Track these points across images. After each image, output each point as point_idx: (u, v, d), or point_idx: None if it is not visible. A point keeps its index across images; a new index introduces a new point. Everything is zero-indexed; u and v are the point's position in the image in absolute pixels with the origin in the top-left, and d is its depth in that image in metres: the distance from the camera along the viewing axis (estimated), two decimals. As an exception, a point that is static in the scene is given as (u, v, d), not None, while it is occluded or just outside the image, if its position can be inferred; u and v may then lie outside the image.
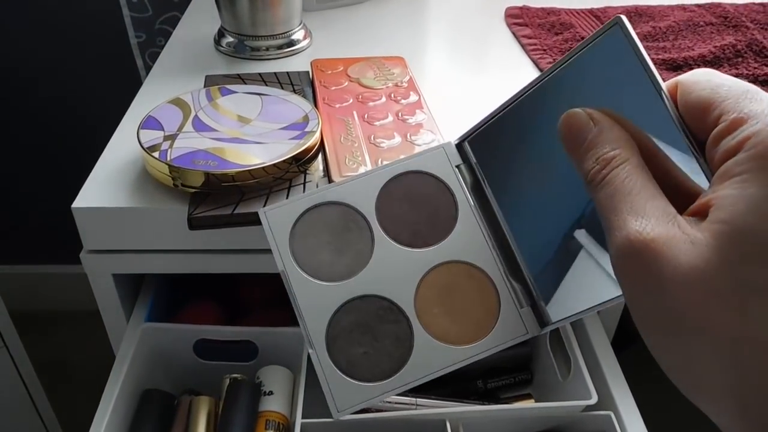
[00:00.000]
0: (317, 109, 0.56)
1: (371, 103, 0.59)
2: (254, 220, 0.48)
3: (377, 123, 0.56)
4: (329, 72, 0.64)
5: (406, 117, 0.57)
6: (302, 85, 0.63)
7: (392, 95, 0.60)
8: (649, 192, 0.25)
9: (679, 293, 0.22)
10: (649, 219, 0.23)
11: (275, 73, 0.65)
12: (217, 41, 0.73)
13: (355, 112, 0.58)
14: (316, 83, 0.63)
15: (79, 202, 0.49)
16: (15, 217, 1.35)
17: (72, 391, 1.10)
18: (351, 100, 0.60)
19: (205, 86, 0.61)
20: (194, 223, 0.47)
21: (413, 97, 0.60)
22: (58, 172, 1.24)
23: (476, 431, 0.50)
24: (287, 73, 0.65)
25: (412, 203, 0.41)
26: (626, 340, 0.65)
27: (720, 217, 0.22)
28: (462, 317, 0.39)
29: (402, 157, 0.42)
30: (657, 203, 0.24)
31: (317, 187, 0.50)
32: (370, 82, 0.63)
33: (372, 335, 0.38)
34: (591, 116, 0.27)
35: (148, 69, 1.09)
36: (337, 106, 0.59)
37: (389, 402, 0.54)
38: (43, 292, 1.43)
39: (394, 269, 0.39)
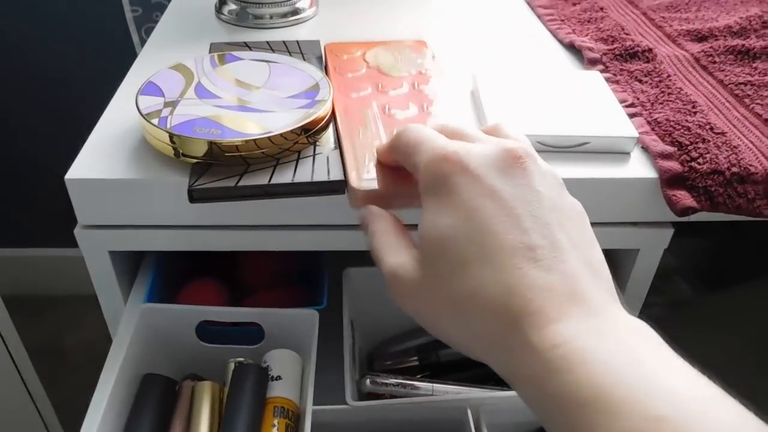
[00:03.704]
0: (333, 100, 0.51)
1: (392, 92, 0.53)
2: (259, 193, 0.45)
3: (400, 116, 0.50)
4: (345, 57, 0.59)
5: (430, 109, 0.51)
6: (311, 54, 0.59)
7: (415, 84, 0.54)
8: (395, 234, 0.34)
9: (413, 304, 0.31)
10: (395, 252, 0.33)
11: (284, 41, 0.61)
12: (219, 9, 0.69)
13: (374, 103, 0.51)
14: (330, 69, 0.57)
15: (72, 173, 0.46)
16: (6, 199, 1.32)
17: (68, 377, 1.07)
18: (370, 90, 0.53)
19: (210, 53, 0.58)
20: (195, 196, 0.43)
21: (436, 84, 0.54)
22: (50, 152, 1.20)
23: (499, 418, 0.47)
24: (297, 42, 0.61)
25: None
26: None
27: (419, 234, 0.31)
28: None
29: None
30: (401, 240, 0.34)
31: (327, 161, 0.46)
32: (390, 70, 0.56)
33: None
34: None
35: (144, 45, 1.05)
36: (354, 96, 0.52)
37: (404, 388, 0.51)
38: (37, 277, 1.40)
39: None
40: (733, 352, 0.75)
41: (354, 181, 0.41)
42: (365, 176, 0.41)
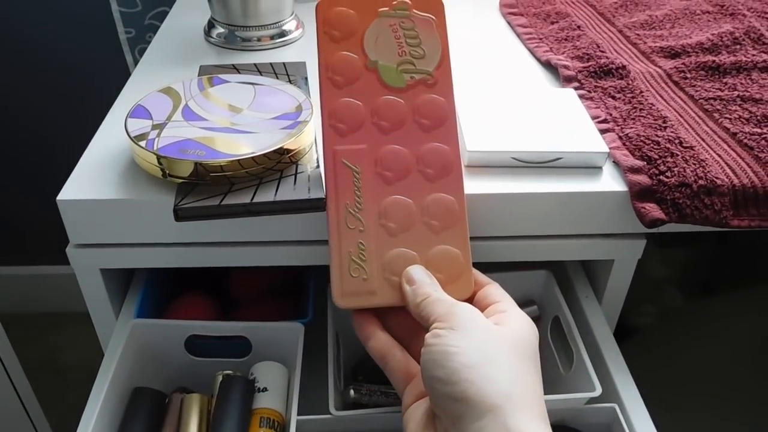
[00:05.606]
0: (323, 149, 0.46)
1: (387, 143, 0.46)
2: (242, 211, 0.47)
3: (396, 181, 0.45)
4: (340, 53, 0.48)
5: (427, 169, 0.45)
6: (298, 75, 0.62)
7: (418, 111, 0.46)
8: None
9: None
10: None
11: (271, 63, 0.63)
12: (207, 32, 0.72)
13: (361, 171, 0.45)
14: (322, 69, 0.48)
15: (64, 194, 0.48)
16: (1, 218, 1.33)
17: (63, 394, 1.08)
18: (365, 145, 0.46)
19: (198, 76, 0.60)
20: (181, 214, 0.45)
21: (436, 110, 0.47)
22: (43, 171, 1.21)
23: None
24: (283, 63, 0.64)
25: None
26: (623, 335, 0.63)
27: None
28: None
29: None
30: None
31: (308, 179, 0.48)
32: (391, 78, 0.47)
33: None
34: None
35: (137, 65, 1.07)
36: (344, 148, 0.45)
37: (387, 398, 0.52)
38: (32, 295, 1.41)
39: None
40: (723, 357, 0.76)
41: (337, 297, 0.44)
42: (347, 289, 0.43)
